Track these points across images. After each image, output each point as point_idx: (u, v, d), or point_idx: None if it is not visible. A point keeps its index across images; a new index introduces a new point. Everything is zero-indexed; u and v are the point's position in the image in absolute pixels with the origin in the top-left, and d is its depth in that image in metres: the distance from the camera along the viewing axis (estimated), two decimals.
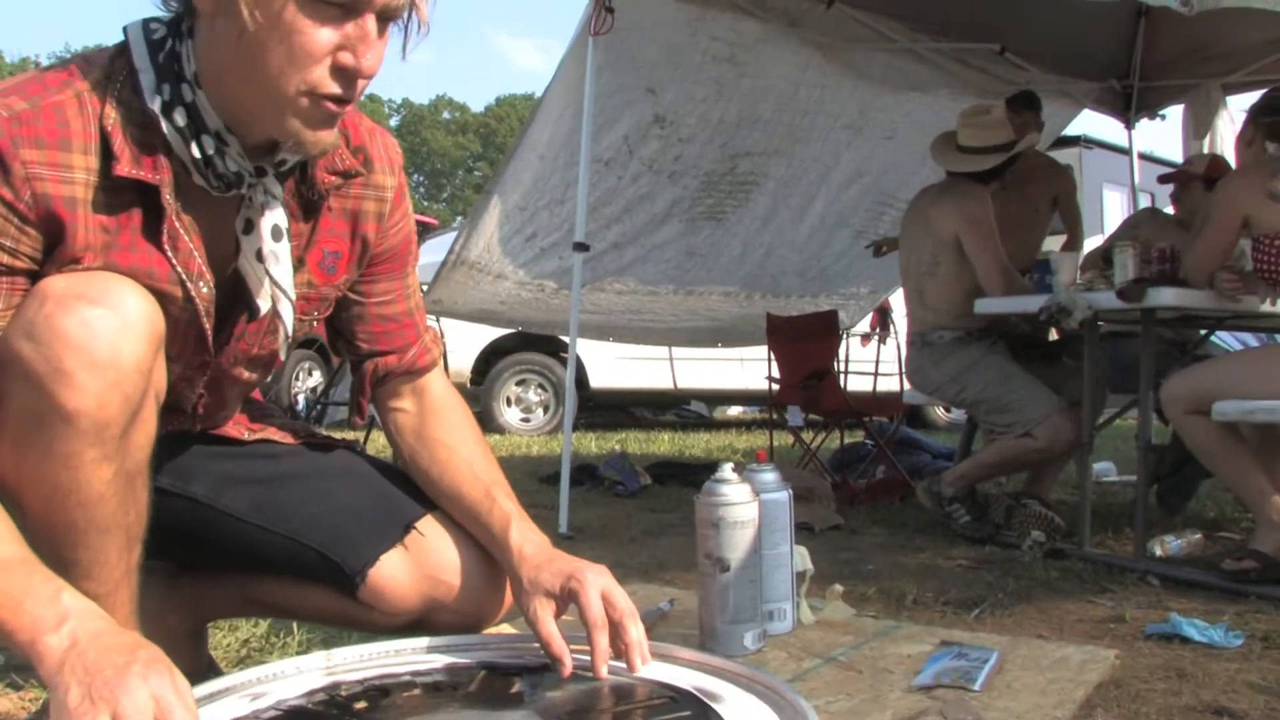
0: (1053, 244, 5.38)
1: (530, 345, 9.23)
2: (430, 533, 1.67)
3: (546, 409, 9.50)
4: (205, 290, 1.46)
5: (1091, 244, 5.40)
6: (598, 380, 9.51)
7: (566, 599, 1.54)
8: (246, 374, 1.64)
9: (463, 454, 1.72)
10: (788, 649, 2.06)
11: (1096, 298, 3.64)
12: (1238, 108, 6.32)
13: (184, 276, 1.43)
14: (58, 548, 1.36)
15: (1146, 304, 3.49)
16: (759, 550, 1.92)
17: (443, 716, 1.43)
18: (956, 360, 4.24)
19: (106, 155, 1.34)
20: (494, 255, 5.65)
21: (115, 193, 1.36)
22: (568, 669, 1.51)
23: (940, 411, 9.75)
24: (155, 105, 1.36)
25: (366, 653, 1.62)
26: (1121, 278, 3.64)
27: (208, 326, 1.49)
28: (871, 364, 6.78)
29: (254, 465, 1.73)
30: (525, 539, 1.62)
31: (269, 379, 1.77)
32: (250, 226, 1.47)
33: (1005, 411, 4.05)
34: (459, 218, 41.10)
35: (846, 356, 6.70)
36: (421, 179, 58.99)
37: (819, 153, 6.16)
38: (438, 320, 6.54)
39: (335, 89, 1.33)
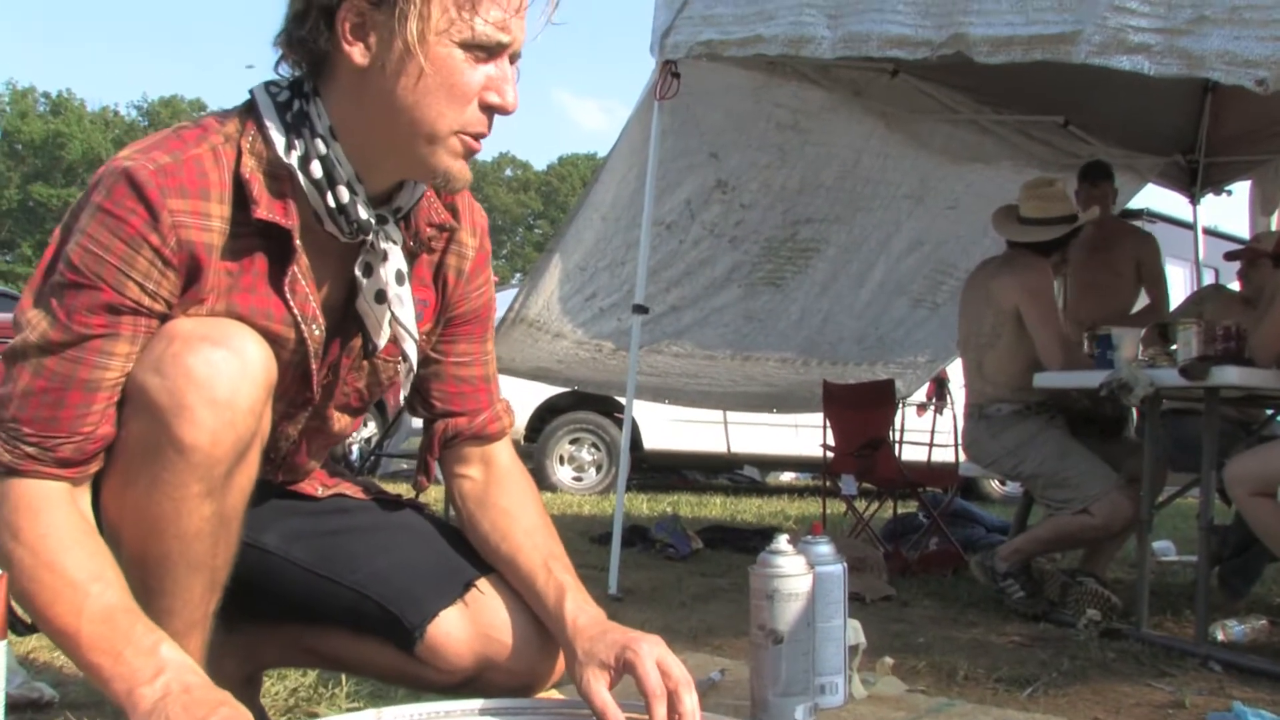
0: None
1: (585, 404, 9.27)
2: (488, 592, 1.68)
3: (599, 468, 9.51)
4: (318, 333, 1.54)
5: None
6: (651, 442, 9.51)
7: (621, 670, 1.54)
8: (339, 420, 1.71)
9: (523, 523, 1.73)
10: None
11: (1159, 374, 3.60)
12: None
13: (299, 319, 1.51)
14: (146, 578, 1.43)
15: (1210, 382, 3.45)
16: (812, 623, 1.91)
17: None
18: (1014, 434, 4.20)
19: (239, 203, 1.44)
20: (553, 314, 5.69)
21: (242, 239, 1.45)
22: None
23: (996, 484, 9.63)
24: (292, 159, 1.46)
25: (417, 712, 1.61)
26: (1185, 355, 3.60)
27: (314, 366, 1.57)
28: (927, 434, 6.73)
29: (324, 520, 1.77)
30: (580, 610, 1.62)
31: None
32: (370, 270, 1.55)
33: (1062, 487, 4.01)
34: (518, 274, 41.42)
35: (902, 426, 6.66)
36: None
37: (880, 221, 6.17)
38: None
39: (483, 127, 1.47)
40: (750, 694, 1.99)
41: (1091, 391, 3.87)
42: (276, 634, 1.83)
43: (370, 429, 9.77)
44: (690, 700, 1.51)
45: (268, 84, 1.52)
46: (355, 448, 9.44)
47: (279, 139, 1.46)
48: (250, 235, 1.46)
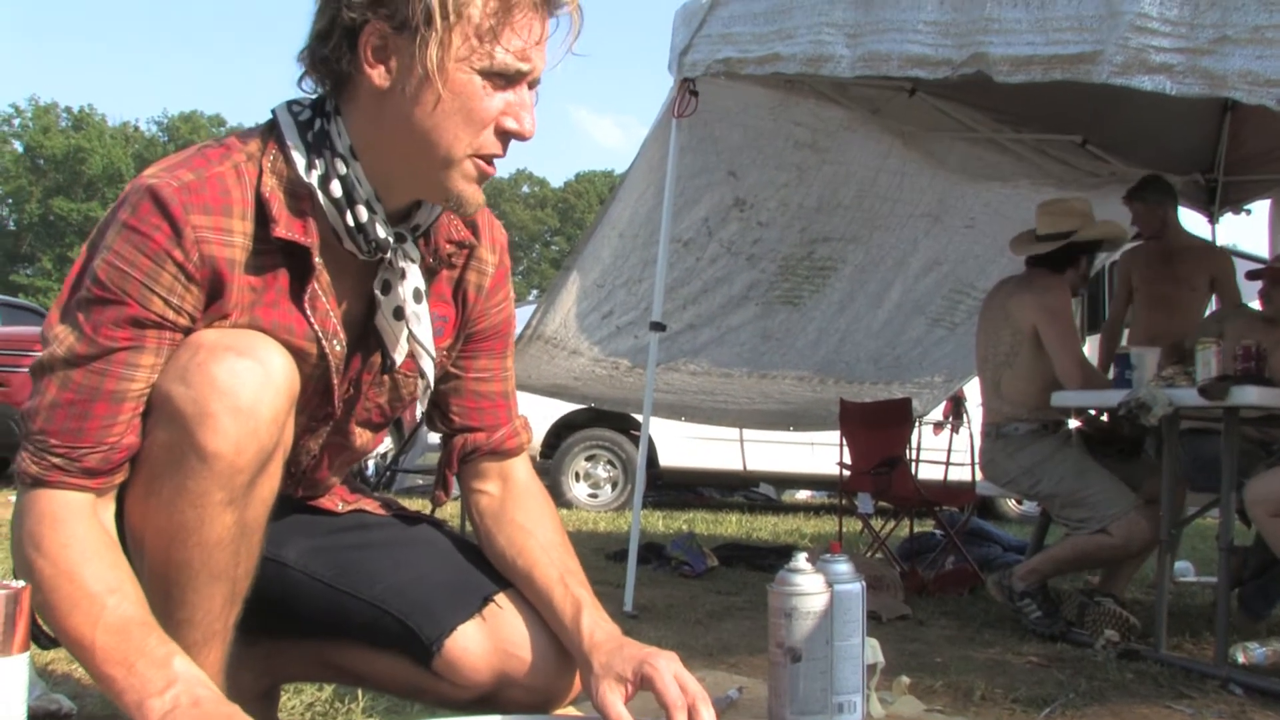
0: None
1: (601, 421, 9.27)
2: (506, 608, 1.68)
3: (615, 485, 9.50)
4: (339, 348, 1.56)
5: None
6: (667, 459, 9.50)
7: (639, 684, 1.54)
8: (360, 435, 1.73)
9: (540, 538, 1.73)
10: None
11: (1178, 394, 3.59)
12: None
13: (320, 334, 1.53)
14: (168, 588, 1.44)
15: (1230, 402, 3.43)
16: (830, 641, 1.90)
17: None
18: (1031, 453, 4.19)
19: (260, 220, 1.46)
20: (570, 331, 5.70)
21: (264, 255, 1.47)
22: None
23: (1012, 504, 9.58)
24: (312, 178, 1.48)
25: None
26: (1204, 374, 3.59)
27: (336, 381, 1.58)
28: (943, 453, 6.71)
29: (343, 535, 1.78)
30: (596, 625, 1.63)
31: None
32: (389, 287, 1.57)
33: (1080, 506, 3.99)
34: (534, 291, 41.53)
35: (918, 445, 6.64)
36: None
37: (897, 240, 6.17)
38: None
39: (498, 150, 1.49)
40: (768, 712, 1.99)
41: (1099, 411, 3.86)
42: (295, 648, 1.83)
43: (386, 444, 9.79)
44: (708, 714, 1.51)
45: (290, 103, 1.54)
46: (371, 463, 9.46)
47: (300, 158, 1.48)
48: (272, 252, 1.47)
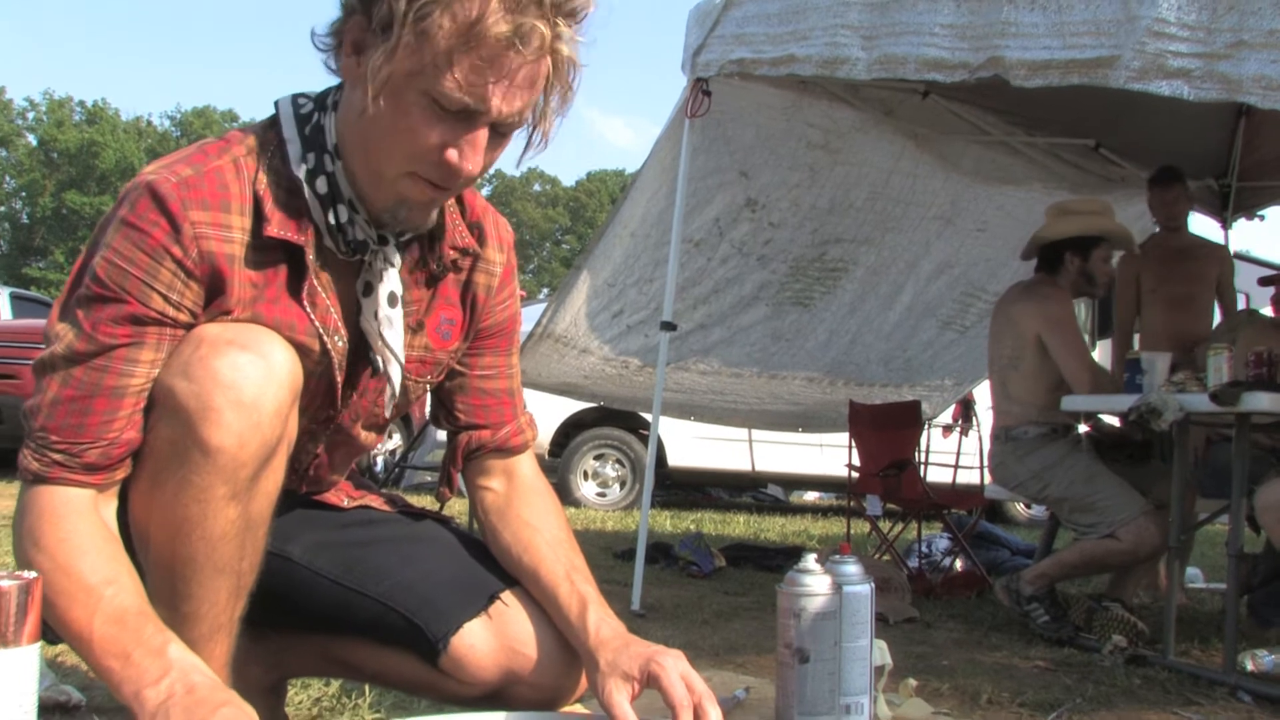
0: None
1: (610, 420, 9.28)
2: (513, 605, 1.68)
3: (623, 484, 9.50)
4: (341, 344, 1.56)
5: None
6: (676, 459, 9.51)
7: (645, 682, 1.54)
8: (363, 434, 1.72)
9: (545, 535, 1.73)
10: None
11: (1189, 400, 3.58)
12: None
13: (321, 331, 1.52)
14: (174, 581, 1.44)
15: (1241, 408, 3.42)
16: (839, 642, 1.90)
17: None
18: (1040, 456, 4.18)
19: (258, 216, 1.45)
20: (580, 330, 5.70)
21: (264, 250, 1.46)
22: None
23: (1021, 507, 9.57)
24: (300, 173, 1.47)
25: None
26: (1216, 380, 3.58)
27: (339, 379, 1.58)
28: (952, 456, 6.70)
29: (349, 531, 1.78)
30: (603, 622, 1.62)
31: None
32: (370, 289, 1.56)
33: (1089, 511, 3.98)
34: (545, 289, 41.57)
35: (927, 447, 6.64)
36: None
37: (909, 242, 6.16)
38: None
39: (434, 177, 1.42)
40: (775, 712, 1.99)
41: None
42: (301, 643, 1.83)
43: (395, 441, 9.81)
44: (715, 713, 1.51)
45: (296, 95, 1.53)
46: (380, 459, 9.48)
47: (294, 153, 1.47)
48: (272, 248, 1.47)
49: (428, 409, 1.74)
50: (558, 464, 9.25)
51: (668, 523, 8.04)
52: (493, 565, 1.75)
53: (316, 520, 1.77)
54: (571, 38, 1.39)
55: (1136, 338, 5.44)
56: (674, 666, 1.53)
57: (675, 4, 4.75)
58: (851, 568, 1.99)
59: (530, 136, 1.46)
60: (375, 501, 1.87)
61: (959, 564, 5.58)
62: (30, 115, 52.01)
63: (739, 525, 8.23)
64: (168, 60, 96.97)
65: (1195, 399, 3.56)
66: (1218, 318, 5.25)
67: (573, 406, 8.81)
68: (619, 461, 9.48)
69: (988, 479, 4.78)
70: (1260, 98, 3.06)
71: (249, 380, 1.39)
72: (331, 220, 1.48)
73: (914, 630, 4.07)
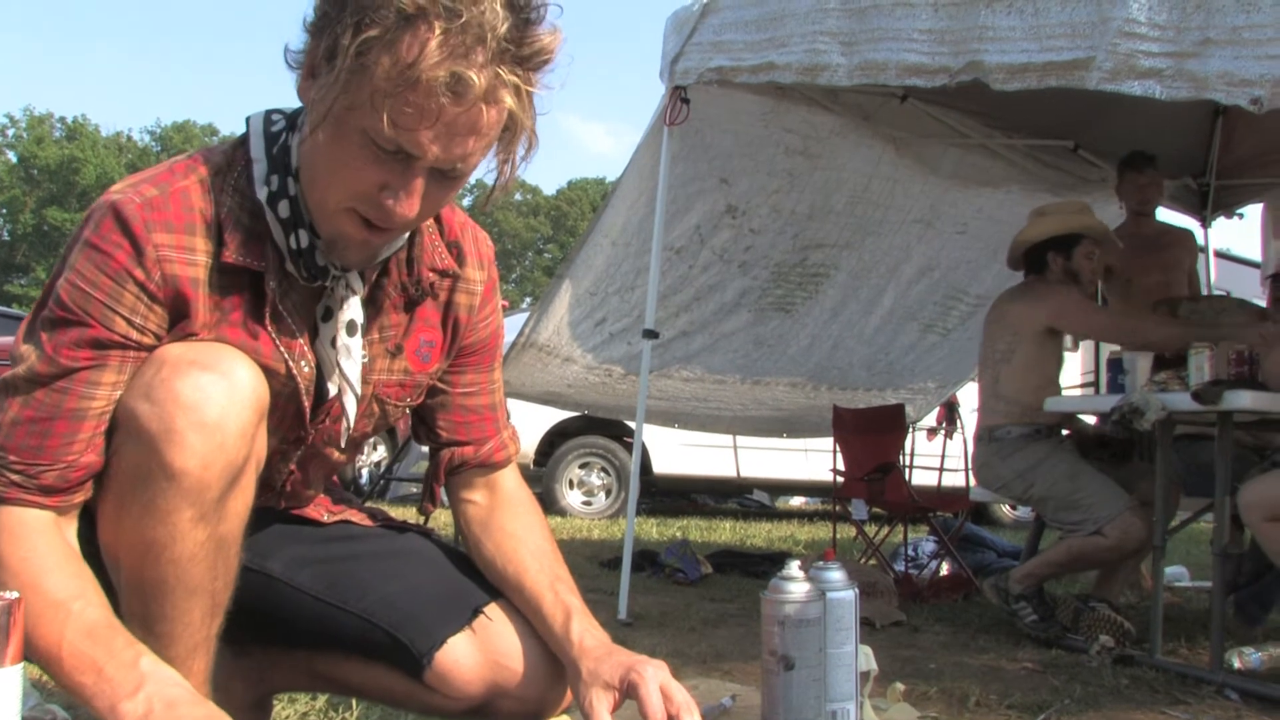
0: None
1: (594, 429, 9.25)
2: (497, 619, 1.67)
3: (609, 493, 9.48)
4: (307, 370, 1.53)
5: None
6: (661, 466, 9.50)
7: (625, 692, 1.54)
8: (336, 454, 1.69)
9: (529, 546, 1.72)
10: None
11: (1171, 399, 3.58)
12: None
13: (286, 356, 1.50)
14: (146, 604, 1.41)
15: (1223, 407, 3.43)
16: (824, 649, 1.90)
17: None
18: (1024, 456, 4.19)
19: (220, 240, 1.42)
20: (563, 338, 5.70)
21: (229, 274, 1.44)
22: None
23: (1007, 509, 9.59)
24: (263, 196, 1.44)
25: None
26: (1197, 379, 3.58)
27: (307, 404, 1.55)
28: (937, 459, 6.71)
29: (331, 546, 1.76)
30: (586, 632, 1.62)
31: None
32: (329, 314, 1.53)
33: (1074, 509, 3.99)
34: (528, 299, 41.54)
35: (912, 451, 6.65)
36: None
37: (890, 246, 6.17)
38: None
39: (371, 215, 1.38)
40: None
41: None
42: (285, 658, 1.82)
43: (380, 453, 9.79)
44: None
45: (269, 112, 1.50)
46: (365, 472, 9.45)
47: (260, 173, 1.44)
48: (236, 270, 1.44)
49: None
50: (543, 473, 9.23)
51: (654, 530, 8.03)
52: (477, 577, 1.74)
53: (296, 535, 1.75)
54: (524, 85, 1.34)
55: None
56: (654, 677, 1.52)
57: (654, 10, 4.76)
58: (835, 574, 1.99)
59: (496, 181, 1.43)
60: (355, 516, 1.85)
61: (945, 567, 5.59)
62: (10, 132, 51.79)
63: (725, 532, 8.23)
64: (147, 75, 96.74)
65: (1177, 398, 3.57)
66: None
67: (557, 415, 8.81)
68: (604, 470, 9.46)
69: (973, 481, 4.78)
70: (1225, 94, 3.08)
71: (212, 401, 1.36)
72: (294, 245, 1.45)
73: (901, 634, 4.07)
